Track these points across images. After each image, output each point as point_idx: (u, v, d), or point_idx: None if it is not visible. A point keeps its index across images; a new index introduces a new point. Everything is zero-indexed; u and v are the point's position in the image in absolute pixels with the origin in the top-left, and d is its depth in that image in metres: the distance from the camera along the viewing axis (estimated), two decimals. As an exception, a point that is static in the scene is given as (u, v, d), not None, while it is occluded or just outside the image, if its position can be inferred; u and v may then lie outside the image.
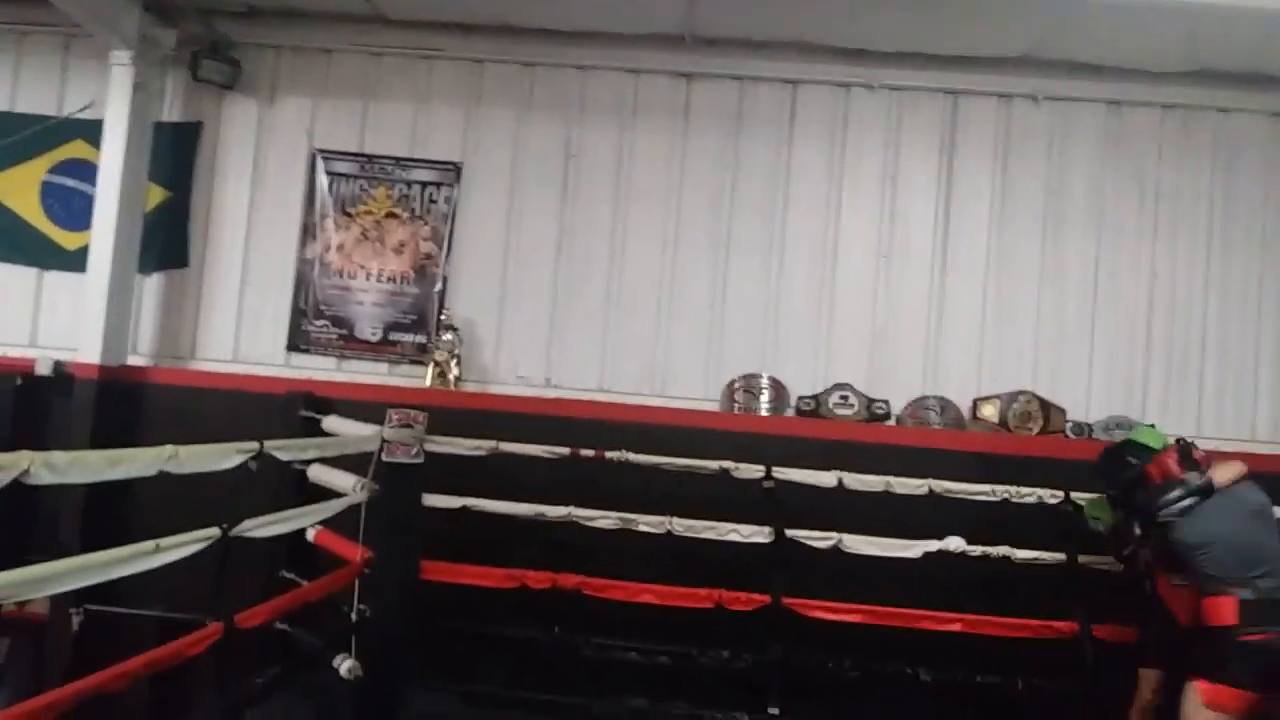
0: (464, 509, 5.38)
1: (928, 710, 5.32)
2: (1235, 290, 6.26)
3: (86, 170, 6.42)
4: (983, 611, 5.12)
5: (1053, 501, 5.26)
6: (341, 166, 6.58)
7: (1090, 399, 6.08)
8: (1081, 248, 6.33)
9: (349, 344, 6.45)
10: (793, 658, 5.24)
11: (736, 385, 6.21)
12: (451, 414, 5.65)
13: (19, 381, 6.13)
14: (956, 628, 5.11)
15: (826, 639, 5.25)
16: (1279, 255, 6.28)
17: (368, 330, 6.45)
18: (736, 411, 6.11)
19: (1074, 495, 5.17)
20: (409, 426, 5.21)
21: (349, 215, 6.53)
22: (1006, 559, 5.14)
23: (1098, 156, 6.37)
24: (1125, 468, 4.44)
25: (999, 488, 5.28)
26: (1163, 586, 4.50)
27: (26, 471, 2.89)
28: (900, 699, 5.34)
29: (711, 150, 6.46)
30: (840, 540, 5.26)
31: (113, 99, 6.18)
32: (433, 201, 6.49)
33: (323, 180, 6.56)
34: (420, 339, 6.40)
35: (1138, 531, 4.38)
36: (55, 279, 6.60)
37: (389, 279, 6.48)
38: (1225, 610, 3.93)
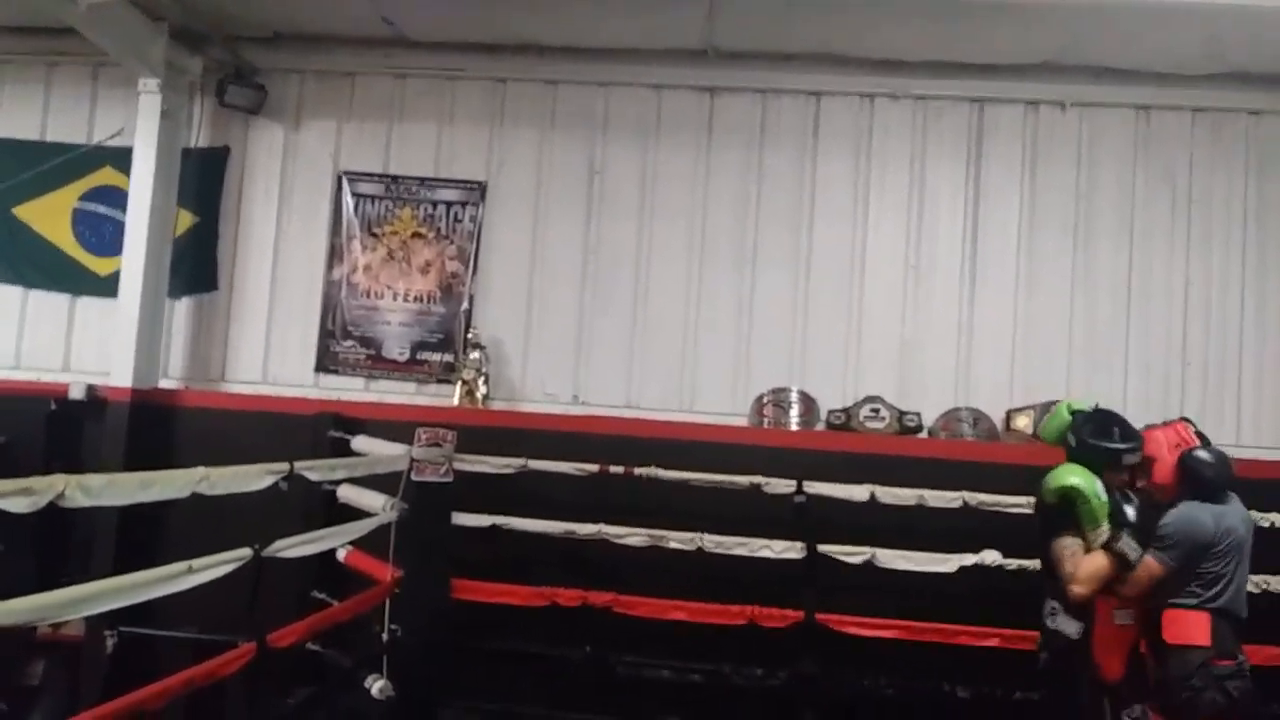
0: (493, 527, 5.36)
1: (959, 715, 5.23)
2: (1272, 295, 6.15)
3: (116, 197, 6.50)
4: (1020, 627, 5.01)
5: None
6: (367, 188, 6.62)
7: (1126, 409, 5.92)
8: (1113, 255, 6.25)
9: (377, 364, 6.46)
10: (827, 674, 5.18)
11: (765, 399, 6.16)
12: (480, 432, 5.65)
13: (52, 406, 6.19)
14: (994, 643, 5.02)
15: (861, 655, 5.19)
16: (1315, 259, 6.17)
17: (395, 350, 6.47)
18: (766, 426, 6.05)
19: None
20: (438, 445, 5.21)
21: (375, 236, 6.57)
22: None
23: (1128, 162, 6.30)
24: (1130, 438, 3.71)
25: (1035, 500, 5.18)
26: (1104, 627, 3.63)
27: (62, 494, 2.89)
28: (937, 716, 5.26)
29: (736, 164, 6.44)
30: (873, 555, 5.19)
31: (141, 126, 6.25)
32: (458, 221, 6.51)
33: (349, 202, 6.61)
34: (447, 358, 6.41)
35: (1131, 515, 3.55)
36: (87, 304, 6.68)
37: (415, 299, 6.49)
38: (1196, 628, 3.44)
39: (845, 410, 6.08)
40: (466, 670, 5.37)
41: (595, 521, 5.21)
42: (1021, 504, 5.18)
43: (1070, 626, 3.61)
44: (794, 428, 6.05)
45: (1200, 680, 3.44)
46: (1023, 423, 5.97)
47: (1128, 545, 3.50)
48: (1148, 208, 6.27)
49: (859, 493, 5.34)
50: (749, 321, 6.34)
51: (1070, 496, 3.57)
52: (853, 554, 5.20)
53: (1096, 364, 6.13)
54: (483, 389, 6.13)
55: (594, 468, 5.36)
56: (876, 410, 6.05)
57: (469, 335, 6.29)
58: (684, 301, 6.38)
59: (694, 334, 6.34)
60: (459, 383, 6.17)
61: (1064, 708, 3.70)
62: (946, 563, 5.14)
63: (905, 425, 6.00)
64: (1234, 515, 3.64)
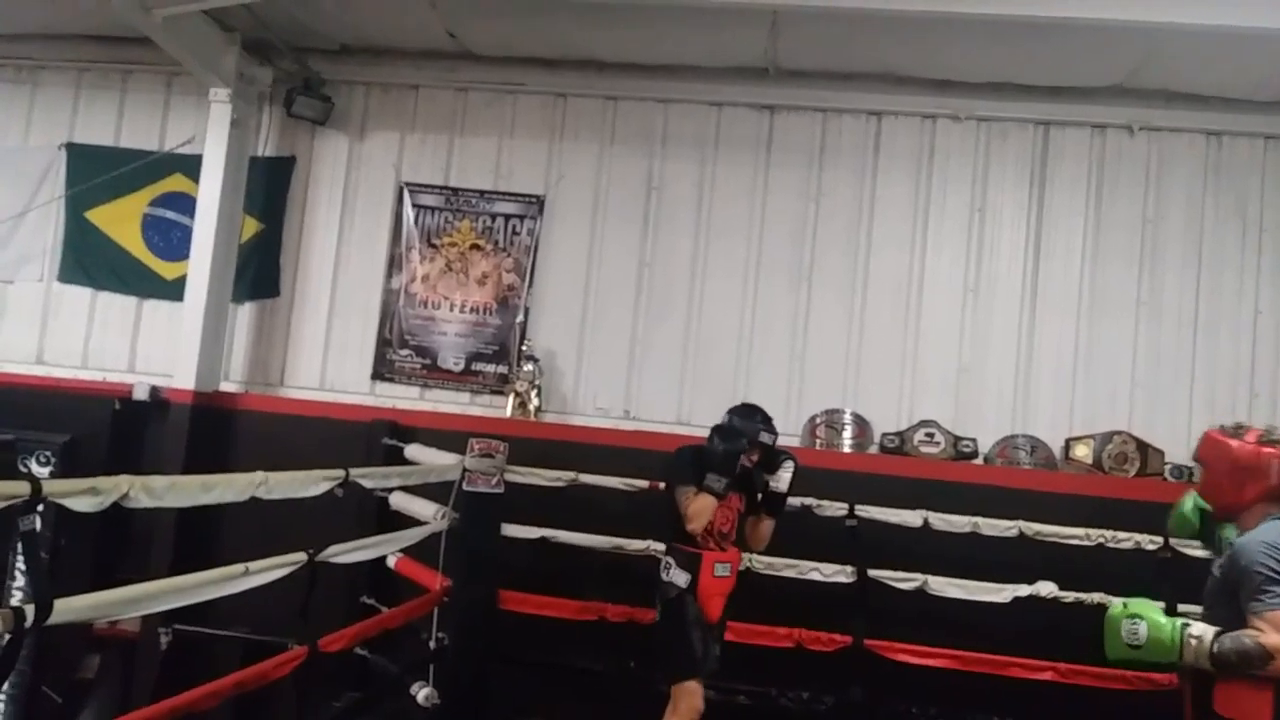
0: (542, 540, 5.37)
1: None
2: (1344, 327, 5.97)
3: (185, 203, 6.66)
4: (1076, 660, 4.90)
5: (1151, 548, 5.03)
6: (427, 199, 6.70)
7: (1190, 440, 5.77)
8: (1180, 282, 6.11)
9: (432, 373, 6.53)
10: (874, 701, 5.09)
11: (818, 420, 6.11)
12: (531, 444, 5.67)
13: (117, 406, 6.33)
14: (1048, 676, 4.89)
15: (910, 683, 5.08)
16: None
17: (450, 360, 6.53)
18: (818, 447, 6.00)
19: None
20: (490, 456, 5.24)
21: (434, 247, 6.64)
22: (1101, 606, 4.92)
23: (1197, 188, 6.16)
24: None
25: (1093, 531, 5.08)
26: (706, 578, 4.19)
27: (126, 495, 2.96)
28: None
29: (794, 183, 6.42)
30: (925, 582, 5.10)
31: (211, 134, 6.40)
32: (516, 234, 6.57)
33: (409, 213, 6.70)
34: (502, 369, 6.45)
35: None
36: (154, 307, 6.83)
37: (472, 310, 6.55)
38: (1262, 708, 2.66)
39: (899, 434, 6.01)
40: (512, 681, 5.37)
41: (644, 538, 5.19)
42: (1079, 535, 5.08)
43: (680, 578, 4.17)
44: (847, 449, 5.99)
45: None
46: (1081, 452, 5.86)
47: (712, 479, 4.08)
48: (1216, 235, 6.12)
49: (912, 518, 5.25)
50: (803, 341, 6.30)
51: None
52: (904, 580, 5.11)
53: (1159, 394, 5.99)
54: (535, 401, 6.16)
55: (644, 484, 5.34)
56: (931, 435, 5.97)
57: (523, 347, 6.33)
58: (738, 319, 6.36)
59: (747, 352, 6.32)
60: (512, 394, 6.21)
61: (675, 643, 4.15)
62: (1000, 592, 5.03)
63: (961, 451, 5.92)
64: None
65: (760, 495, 4.42)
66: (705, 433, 5.38)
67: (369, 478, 4.47)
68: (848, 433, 6.05)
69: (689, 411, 6.24)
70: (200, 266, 6.31)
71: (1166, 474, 5.73)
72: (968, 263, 6.26)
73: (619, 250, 6.49)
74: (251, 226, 6.74)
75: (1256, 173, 6.14)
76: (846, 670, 5.08)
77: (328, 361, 6.67)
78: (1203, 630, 2.72)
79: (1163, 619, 2.81)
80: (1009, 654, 4.97)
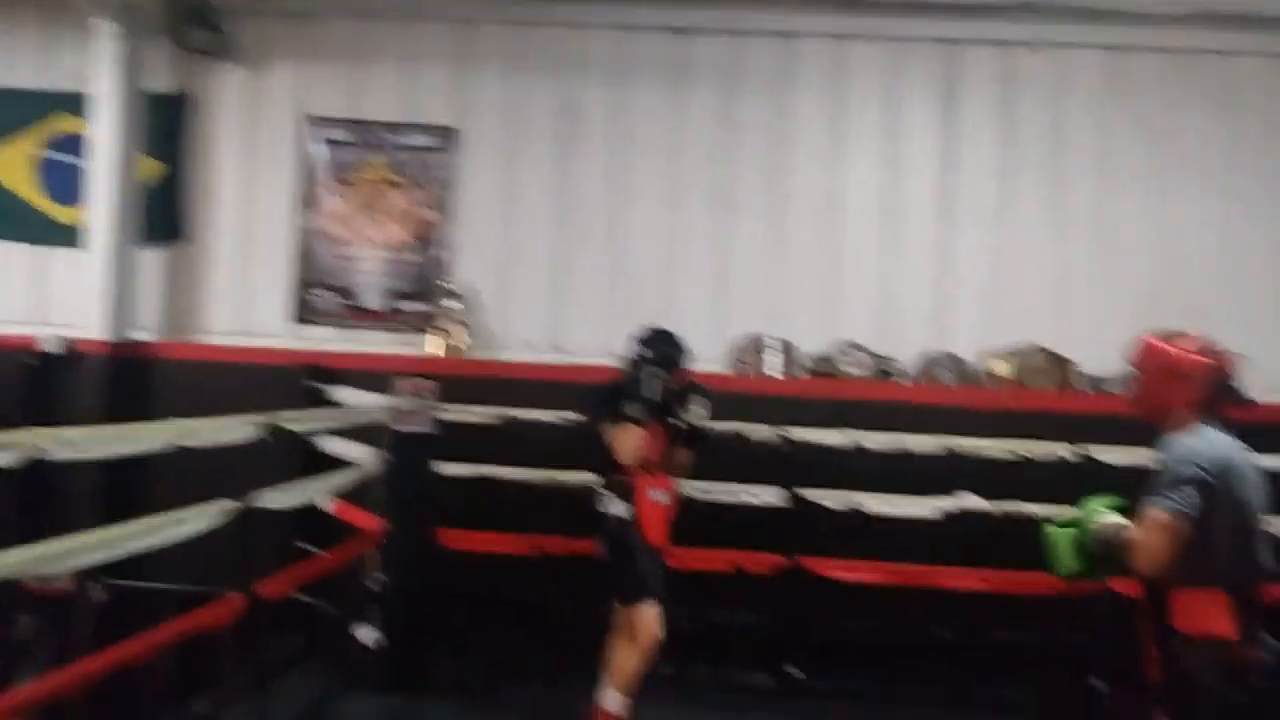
0: (478, 477, 5.36)
1: (947, 667, 5.35)
2: (1243, 236, 6.21)
3: (79, 144, 6.29)
4: (1002, 568, 5.12)
5: (1068, 456, 5.25)
6: (335, 134, 6.48)
7: (1101, 351, 6.03)
8: (1086, 197, 6.28)
9: (354, 314, 6.38)
10: (812, 618, 5.26)
11: (744, 346, 6.17)
12: (460, 382, 5.61)
13: (25, 359, 6.03)
14: (976, 585, 5.11)
15: (845, 599, 5.26)
16: (1281, 197, 6.24)
17: (372, 300, 6.38)
18: (745, 373, 6.07)
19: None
20: (419, 396, 5.17)
21: (346, 183, 6.44)
22: (1024, 514, 5.14)
23: (1100, 104, 6.29)
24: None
25: (1015, 443, 5.27)
26: (644, 505, 4.22)
27: (42, 448, 2.85)
28: (920, 657, 5.38)
29: (710, 107, 6.38)
30: (856, 500, 5.25)
31: (99, 71, 6.05)
32: (430, 168, 6.40)
33: (317, 148, 6.46)
34: (425, 307, 6.33)
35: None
36: (54, 255, 6.49)
37: (390, 247, 6.40)
38: (1218, 614, 2.63)
39: (825, 357, 6.11)
40: (455, 618, 5.39)
41: (579, 470, 5.20)
42: (1001, 448, 5.27)
43: (618, 508, 4.20)
44: (774, 374, 6.08)
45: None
46: (1000, 367, 6.04)
47: (631, 408, 4.12)
48: (1120, 149, 6.29)
49: (841, 439, 5.38)
50: (726, 267, 6.32)
51: None
52: (835, 499, 5.26)
53: (1070, 305, 6.19)
54: (462, 339, 6.08)
55: (577, 416, 5.34)
56: (856, 356, 6.09)
57: (446, 284, 6.22)
58: (661, 247, 6.35)
59: (671, 281, 6.32)
60: (438, 332, 6.11)
61: (626, 569, 4.19)
62: (928, 507, 5.22)
63: (884, 371, 6.05)
64: None
65: (680, 429, 4.37)
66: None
67: (298, 422, 4.39)
68: (774, 357, 6.13)
69: (617, 342, 6.19)
70: (100, 211, 6.01)
71: (1080, 384, 5.95)
72: (883, 184, 6.33)
73: (537, 181, 6.39)
74: (151, 168, 6.42)
75: (1156, 87, 6.29)
76: (783, 590, 5.23)
77: (243, 305, 6.46)
78: (1106, 521, 2.81)
79: (1090, 509, 2.89)
80: (939, 565, 5.16)
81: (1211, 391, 2.78)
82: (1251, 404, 2.84)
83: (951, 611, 5.25)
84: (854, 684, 5.33)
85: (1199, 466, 2.63)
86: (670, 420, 4.31)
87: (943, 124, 6.35)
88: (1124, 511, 2.88)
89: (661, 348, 4.33)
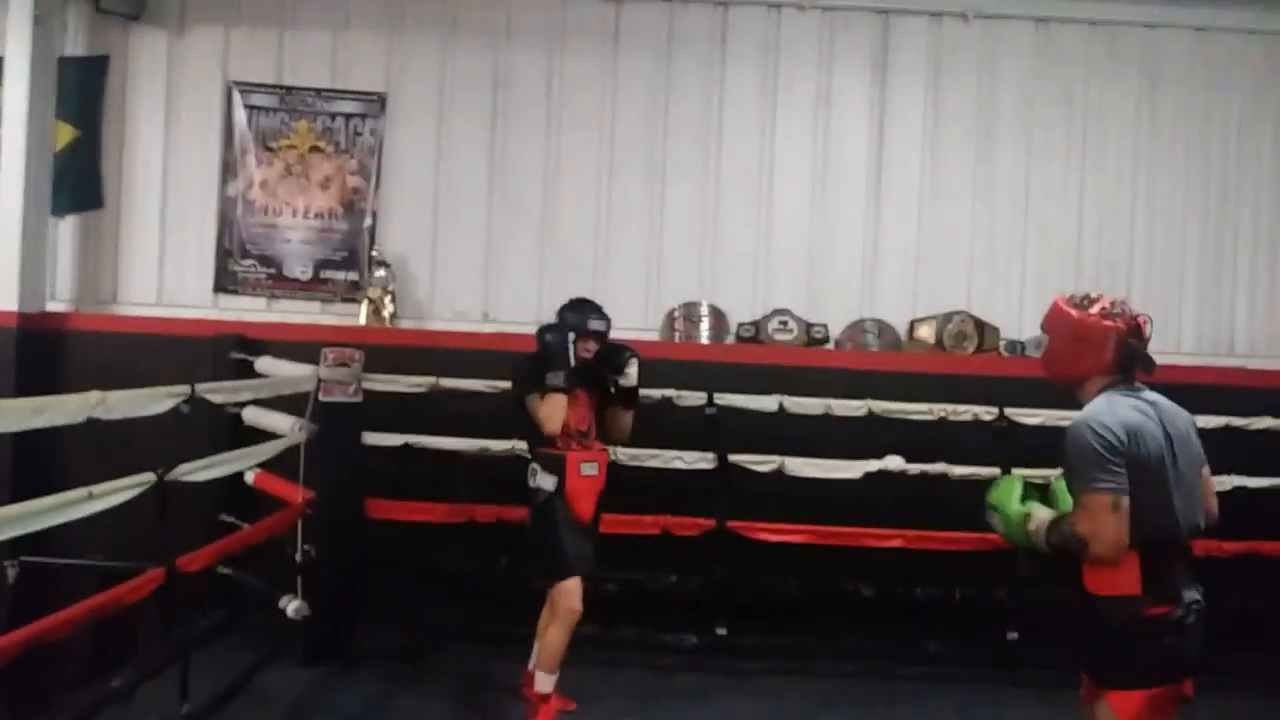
0: (406, 446, 5.33)
1: (870, 624, 5.48)
2: (1161, 205, 6.38)
3: (-10, 109, 6.08)
4: (922, 527, 5.25)
5: (988, 419, 5.38)
6: (260, 99, 6.34)
7: (1023, 317, 6.17)
8: (1012, 166, 6.38)
9: (278, 283, 6.27)
10: (739, 579, 5.34)
11: (676, 314, 6.20)
12: (389, 351, 5.58)
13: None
14: (897, 544, 5.23)
15: (771, 560, 5.34)
16: (1203, 170, 6.40)
17: (297, 269, 6.28)
18: (677, 340, 6.10)
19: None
20: (345, 365, 5.12)
21: (271, 150, 6.31)
22: (944, 475, 5.26)
23: (1027, 74, 6.39)
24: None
25: (936, 406, 5.38)
26: (574, 479, 4.21)
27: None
28: (844, 615, 5.49)
29: (644, 74, 6.35)
30: (782, 463, 5.33)
31: (12, 33, 5.84)
32: (358, 134, 6.30)
33: (240, 114, 6.33)
34: (352, 276, 6.25)
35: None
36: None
37: (316, 215, 6.29)
38: (1126, 572, 2.63)
39: (755, 323, 6.16)
40: (384, 589, 5.38)
41: (509, 438, 5.20)
42: (923, 410, 5.38)
43: (548, 482, 4.17)
44: (704, 340, 6.12)
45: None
46: (924, 332, 6.15)
47: (551, 376, 4.09)
48: (1046, 119, 6.40)
49: (768, 403, 5.45)
50: (659, 235, 6.33)
51: None
52: (762, 463, 5.33)
53: (996, 273, 6.30)
54: (390, 308, 6.02)
55: (507, 385, 5.32)
56: (785, 323, 6.14)
57: (373, 253, 6.13)
58: (593, 215, 6.33)
59: (604, 248, 6.31)
60: (365, 301, 6.04)
61: (548, 545, 4.17)
62: (852, 469, 5.31)
63: (813, 337, 6.12)
64: None
65: (613, 391, 4.38)
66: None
67: (218, 393, 4.32)
68: (705, 324, 6.16)
69: (548, 311, 6.08)
70: (12, 178, 5.82)
71: (1002, 349, 6.08)
72: (815, 152, 6.37)
73: (467, 149, 6.31)
74: (66, 134, 6.20)
75: (1081, 59, 6.40)
76: (711, 552, 5.30)
77: (164, 275, 6.31)
78: (1040, 522, 2.74)
79: (1014, 510, 2.82)
80: (862, 526, 5.27)
81: (1121, 354, 2.76)
82: (1153, 365, 2.84)
83: (875, 570, 5.35)
84: (779, 641, 5.45)
85: (1111, 436, 2.61)
86: (601, 384, 4.31)
87: (873, 93, 6.39)
88: (1038, 490, 2.90)
89: (575, 313, 4.29)
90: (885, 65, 6.39)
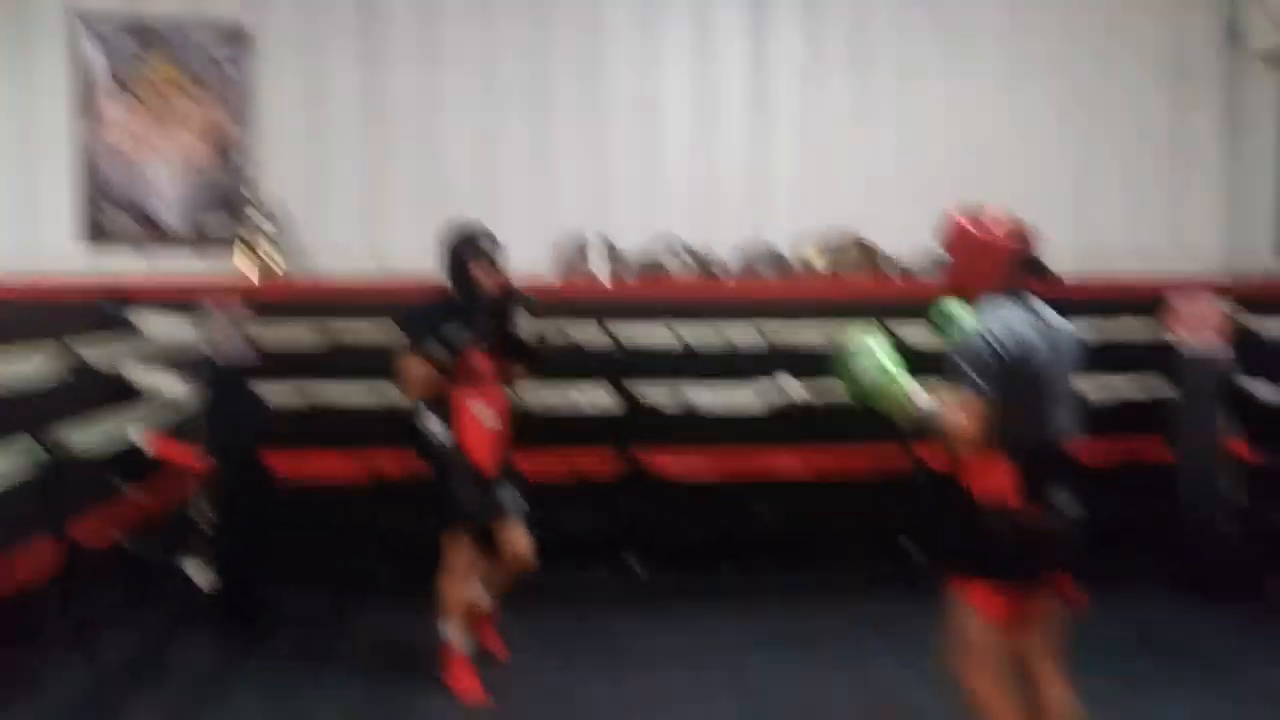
0: (305, 399, 5.19)
1: (776, 544, 5.68)
2: (1029, 120, 6.59)
3: None
4: (819, 445, 5.44)
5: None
6: (111, 33, 5.90)
7: (906, 237, 6.33)
8: (888, 88, 6.47)
9: (152, 234, 5.94)
10: (647, 511, 5.44)
11: (569, 250, 6.15)
12: (277, 301, 5.41)
13: None
14: (798, 465, 5.41)
15: (681, 493, 5.48)
16: (1069, 82, 6.62)
17: (172, 218, 5.96)
18: (572, 278, 6.07)
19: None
20: (232, 318, 4.93)
21: (129, 90, 5.92)
22: (841, 400, 5.42)
23: (901, -1, 6.47)
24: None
25: (830, 328, 5.51)
26: (468, 428, 4.02)
27: None
28: (750, 537, 5.68)
29: (522, 5, 6.18)
30: (683, 394, 5.42)
31: None
32: (226, 73, 5.96)
33: (89, 49, 5.89)
34: (232, 224, 5.97)
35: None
36: None
37: (188, 161, 5.96)
38: (1003, 479, 2.82)
39: (648, 255, 6.17)
40: (292, 549, 5.27)
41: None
42: (818, 335, 5.52)
43: (438, 427, 4.00)
44: (599, 276, 6.10)
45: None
46: (813, 255, 6.27)
47: (436, 348, 3.86)
48: (918, 40, 6.50)
49: (667, 336, 5.51)
50: (546, 169, 6.24)
51: None
52: (665, 396, 5.41)
53: (876, 194, 6.43)
54: (274, 256, 5.79)
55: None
56: (679, 254, 6.18)
57: (252, 199, 5.87)
58: (478, 151, 6.18)
59: (491, 184, 6.17)
60: (247, 250, 5.80)
61: (443, 494, 4.04)
62: (751, 394, 5.44)
63: (706, 267, 6.18)
64: None
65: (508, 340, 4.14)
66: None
67: (98, 353, 4.11)
68: (599, 259, 6.14)
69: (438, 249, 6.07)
70: None
71: (888, 270, 6.25)
72: (696, 79, 6.35)
73: (343, 86, 6.06)
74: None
75: (953, -19, 6.51)
76: (619, 488, 5.38)
77: (20, 227, 5.89)
78: (917, 398, 2.84)
79: (885, 369, 2.89)
80: (763, 448, 5.42)
81: (1016, 267, 2.90)
82: (1053, 277, 2.98)
83: (778, 492, 5.54)
84: (691, 572, 5.62)
85: (997, 345, 2.75)
86: (501, 334, 4.09)
87: (752, 20, 6.38)
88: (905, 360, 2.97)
89: (466, 246, 4.08)
90: (763, -8, 6.37)
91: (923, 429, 2.85)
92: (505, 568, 4.14)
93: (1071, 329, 2.98)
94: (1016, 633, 2.89)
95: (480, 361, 4.04)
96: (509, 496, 4.14)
